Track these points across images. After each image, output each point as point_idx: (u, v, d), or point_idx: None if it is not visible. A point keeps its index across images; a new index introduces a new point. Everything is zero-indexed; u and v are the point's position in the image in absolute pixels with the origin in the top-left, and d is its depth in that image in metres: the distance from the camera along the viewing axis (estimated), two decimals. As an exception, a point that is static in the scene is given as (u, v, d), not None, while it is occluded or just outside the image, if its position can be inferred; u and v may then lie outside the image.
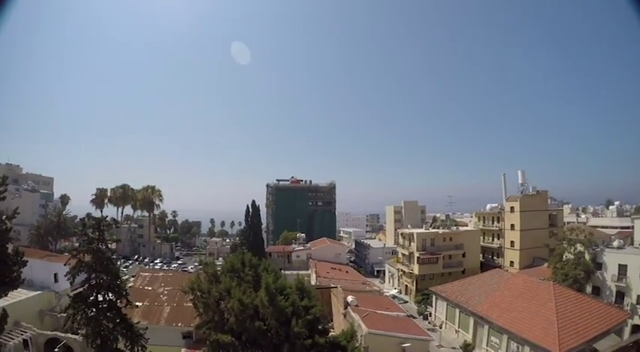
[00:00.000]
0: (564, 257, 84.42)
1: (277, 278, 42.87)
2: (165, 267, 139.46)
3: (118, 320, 40.19)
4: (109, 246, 42.22)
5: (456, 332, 75.42)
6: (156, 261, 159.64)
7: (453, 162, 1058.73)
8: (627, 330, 68.74)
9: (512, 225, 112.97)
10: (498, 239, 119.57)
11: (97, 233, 40.17)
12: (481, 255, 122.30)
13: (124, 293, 41.32)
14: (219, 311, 40.82)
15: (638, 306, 72.56)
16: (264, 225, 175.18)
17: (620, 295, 76.44)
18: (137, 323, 43.60)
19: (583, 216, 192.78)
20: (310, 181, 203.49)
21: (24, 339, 52.34)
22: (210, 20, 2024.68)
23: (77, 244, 57.19)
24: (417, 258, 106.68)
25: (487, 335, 65.98)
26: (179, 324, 55.67)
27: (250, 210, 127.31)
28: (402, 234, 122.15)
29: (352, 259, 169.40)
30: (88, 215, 46.00)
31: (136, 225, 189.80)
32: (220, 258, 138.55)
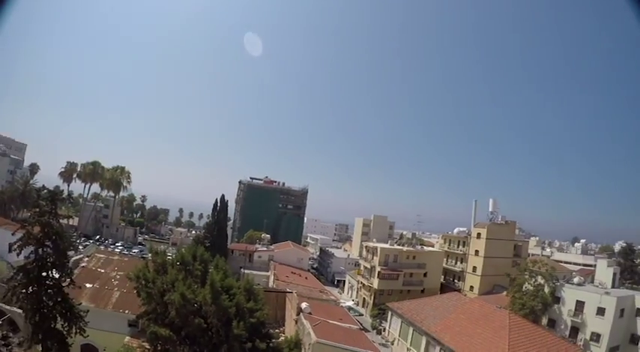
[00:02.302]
0: (524, 287, 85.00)
1: (225, 277, 41.59)
2: (125, 251, 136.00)
3: (58, 300, 38.12)
4: (67, 221, 40.39)
5: (408, 349, 74.63)
6: (117, 244, 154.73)
7: (429, 184, 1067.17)
8: None
9: (477, 251, 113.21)
10: (462, 263, 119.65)
11: (50, 206, 38.33)
12: (442, 277, 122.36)
13: (68, 271, 39.38)
14: (163, 303, 38.99)
15: (591, 342, 73.55)
16: (230, 221, 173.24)
17: (575, 330, 77.41)
18: (79, 304, 41.66)
19: (548, 249, 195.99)
20: (283, 183, 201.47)
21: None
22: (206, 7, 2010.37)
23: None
24: (378, 272, 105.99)
25: (437, 356, 65.24)
26: (126, 311, 53.49)
27: (219, 204, 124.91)
28: (366, 246, 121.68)
29: (315, 266, 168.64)
30: (43, 187, 43.44)
31: (102, 205, 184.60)
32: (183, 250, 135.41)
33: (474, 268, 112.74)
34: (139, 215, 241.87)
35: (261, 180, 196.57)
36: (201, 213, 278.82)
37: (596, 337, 73.40)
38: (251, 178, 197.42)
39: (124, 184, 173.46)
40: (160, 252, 46.15)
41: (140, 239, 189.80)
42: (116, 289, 58.44)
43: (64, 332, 38.21)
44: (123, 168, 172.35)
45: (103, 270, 62.84)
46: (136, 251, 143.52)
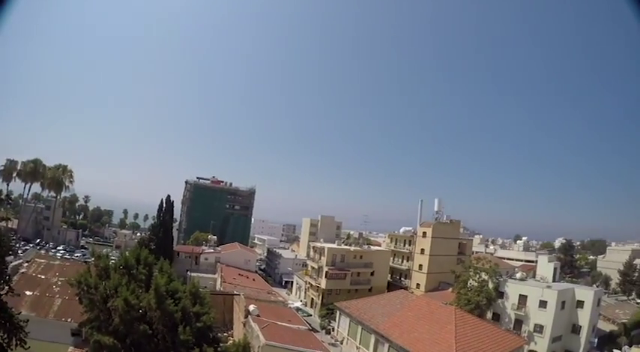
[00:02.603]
0: (469, 283, 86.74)
1: (171, 281, 40.28)
2: (67, 256, 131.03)
3: (-4, 310, 35.94)
4: (6, 224, 38.22)
5: (357, 348, 74.79)
6: (59, 248, 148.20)
7: (375, 184, 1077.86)
8: None
9: (423, 250, 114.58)
10: (408, 261, 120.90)
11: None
12: (389, 275, 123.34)
13: (6, 278, 37.39)
14: (106, 309, 37.30)
15: (534, 334, 76.27)
16: (176, 223, 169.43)
17: (519, 322, 79.98)
18: (19, 313, 39.41)
19: (492, 247, 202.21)
20: (231, 184, 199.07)
21: None
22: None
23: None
24: (326, 272, 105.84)
25: (387, 353, 65.78)
26: (69, 319, 51.03)
27: (164, 205, 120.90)
28: (313, 247, 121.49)
29: (262, 267, 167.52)
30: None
31: (42, 206, 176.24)
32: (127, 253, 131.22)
33: (420, 266, 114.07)
34: (81, 217, 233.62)
35: (208, 179, 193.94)
36: (147, 215, 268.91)
37: (539, 328, 76.11)
38: (198, 178, 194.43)
39: (66, 184, 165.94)
40: (103, 256, 43.93)
41: (83, 242, 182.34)
42: (58, 296, 55.94)
43: (4, 345, 35.87)
44: (65, 167, 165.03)
45: (43, 276, 60.13)
46: (78, 255, 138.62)
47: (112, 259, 48.84)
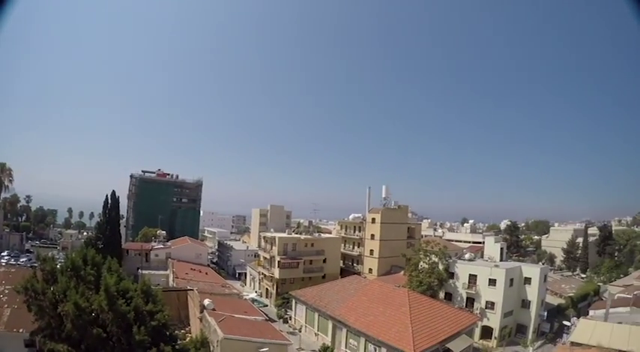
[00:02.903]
0: (420, 266, 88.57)
1: (120, 280, 39.06)
2: (12, 261, 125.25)
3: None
4: None
5: (316, 335, 75.36)
6: (3, 254, 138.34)
7: (323, 173, 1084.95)
8: (478, 331, 75.89)
9: (373, 235, 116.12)
10: (359, 247, 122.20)
11: None
12: (341, 262, 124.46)
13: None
14: (57, 315, 35.63)
15: (486, 310, 79.15)
16: (123, 219, 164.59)
17: (471, 300, 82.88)
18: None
19: (440, 230, 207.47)
20: (177, 176, 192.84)
21: None
22: None
23: None
24: (278, 261, 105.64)
25: (345, 337, 66.68)
26: (21, 330, 48.03)
27: (109, 201, 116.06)
28: (264, 237, 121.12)
29: (214, 260, 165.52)
30: None
31: None
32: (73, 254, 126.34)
33: (371, 251, 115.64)
34: (24, 218, 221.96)
35: (153, 173, 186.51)
36: (92, 212, 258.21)
37: (490, 305, 78.95)
38: (143, 171, 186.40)
39: (6, 183, 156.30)
40: (49, 259, 41.50)
41: (28, 246, 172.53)
42: (6, 306, 53.09)
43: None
44: (4, 165, 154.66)
45: (-13, 286, 57.98)
46: (24, 259, 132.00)
47: (60, 261, 47.01)
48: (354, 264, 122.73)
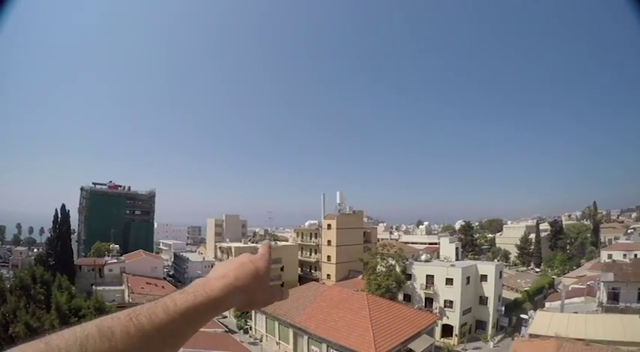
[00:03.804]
0: (377, 269, 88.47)
1: (72, 297, 37.78)
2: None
3: None
4: None
5: (277, 344, 74.42)
6: None
7: (277, 180, 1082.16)
8: (438, 330, 76.36)
9: (329, 241, 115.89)
10: (316, 253, 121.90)
11: None
12: (299, 269, 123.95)
13: None
14: (8, 337, 34.08)
15: (445, 309, 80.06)
16: (75, 234, 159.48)
17: (429, 300, 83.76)
18: None
19: (396, 233, 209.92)
20: (129, 188, 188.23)
21: None
22: None
23: None
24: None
25: (307, 345, 65.85)
26: None
27: (59, 215, 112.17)
28: (220, 247, 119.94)
29: (171, 273, 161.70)
30: None
31: None
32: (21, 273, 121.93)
33: (329, 257, 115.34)
34: None
35: (104, 184, 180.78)
36: (42, 227, 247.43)
37: (449, 303, 79.85)
38: (94, 184, 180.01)
39: None
40: None
41: None
42: None
43: None
44: None
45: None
46: None
47: (12, 280, 45.12)
48: (312, 271, 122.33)
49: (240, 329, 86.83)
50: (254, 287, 1.69)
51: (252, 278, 1.69)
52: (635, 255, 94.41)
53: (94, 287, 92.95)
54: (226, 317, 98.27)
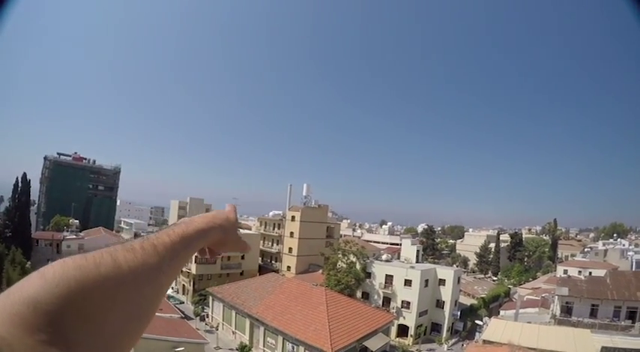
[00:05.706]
0: (338, 265, 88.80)
1: (24, 272, 36.43)
2: None
3: None
4: None
5: (233, 333, 74.01)
6: None
7: (243, 166, 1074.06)
8: (394, 329, 77.61)
9: (292, 233, 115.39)
10: (278, 244, 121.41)
11: None
12: (260, 259, 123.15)
13: None
14: None
15: (402, 309, 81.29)
16: (34, 206, 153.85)
17: (388, 300, 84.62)
18: None
19: (359, 230, 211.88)
20: (94, 161, 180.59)
21: None
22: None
23: None
24: (195, 257, 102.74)
25: (263, 336, 65.79)
26: None
27: (20, 184, 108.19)
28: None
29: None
30: None
31: None
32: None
33: (290, 249, 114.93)
34: None
35: (69, 156, 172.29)
36: (2, 196, 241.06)
37: (406, 304, 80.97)
38: (58, 154, 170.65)
39: None
40: None
41: None
42: None
43: None
44: None
45: None
46: None
47: None
48: (273, 262, 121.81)
49: (196, 316, 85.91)
50: (227, 227, 1.96)
51: (226, 220, 1.97)
52: (590, 273, 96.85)
53: (50, 262, 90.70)
54: (183, 302, 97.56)
